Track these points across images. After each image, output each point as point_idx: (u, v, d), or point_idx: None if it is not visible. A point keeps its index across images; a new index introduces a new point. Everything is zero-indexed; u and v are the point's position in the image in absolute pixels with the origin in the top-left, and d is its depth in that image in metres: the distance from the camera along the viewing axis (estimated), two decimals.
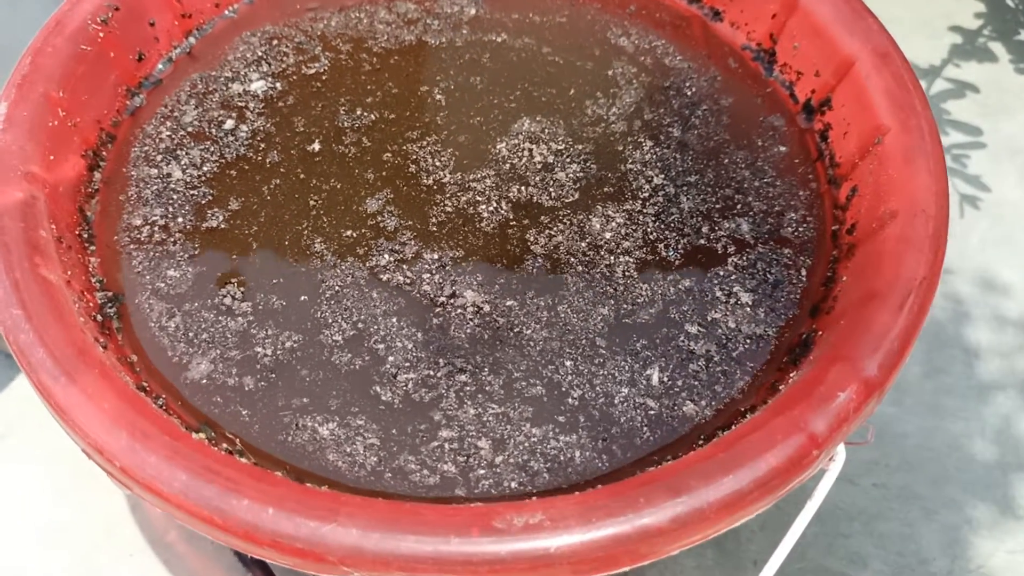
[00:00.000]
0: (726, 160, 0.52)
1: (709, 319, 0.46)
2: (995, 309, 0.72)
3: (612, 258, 0.48)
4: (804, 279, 0.48)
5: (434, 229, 0.49)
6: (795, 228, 0.50)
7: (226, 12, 0.60)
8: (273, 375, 0.44)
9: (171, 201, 0.50)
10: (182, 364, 0.44)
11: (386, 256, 0.47)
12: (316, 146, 0.53)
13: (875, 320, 0.41)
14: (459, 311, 0.46)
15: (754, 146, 0.53)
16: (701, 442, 0.42)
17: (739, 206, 0.50)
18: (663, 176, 0.51)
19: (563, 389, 0.43)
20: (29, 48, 0.49)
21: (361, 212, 0.50)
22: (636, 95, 0.55)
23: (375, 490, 0.40)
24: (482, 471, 0.41)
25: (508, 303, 0.46)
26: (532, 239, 0.48)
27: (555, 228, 0.49)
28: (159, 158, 0.52)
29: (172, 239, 0.48)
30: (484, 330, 0.45)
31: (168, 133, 0.53)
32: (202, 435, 0.41)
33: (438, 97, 0.55)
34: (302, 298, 0.46)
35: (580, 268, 0.47)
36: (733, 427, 0.41)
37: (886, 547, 0.62)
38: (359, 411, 0.43)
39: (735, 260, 0.48)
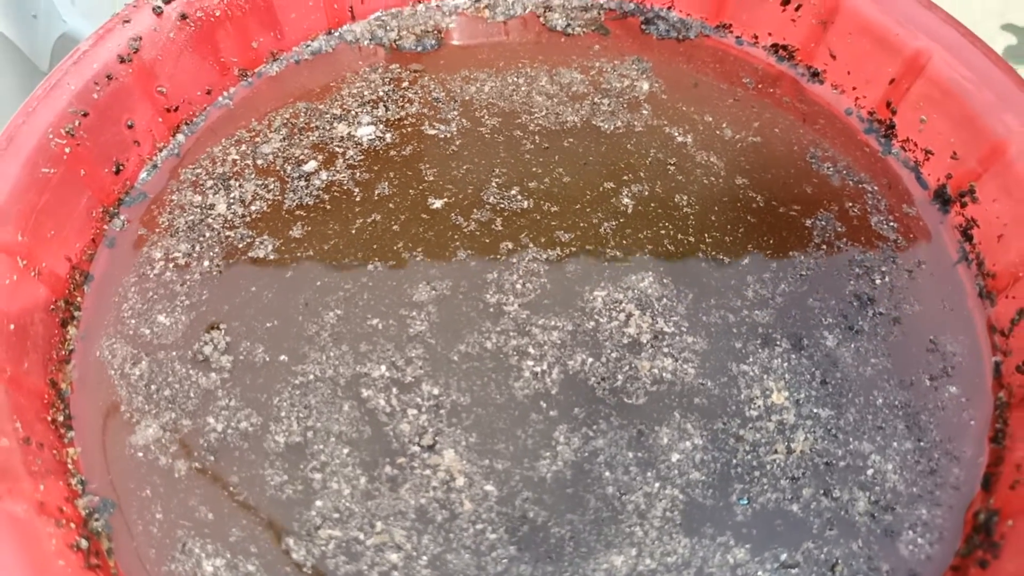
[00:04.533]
0: (879, 400, 0.38)
1: None
2: None
3: (660, 488, 0.35)
4: None
5: (455, 359, 0.38)
6: (923, 539, 0.35)
7: (220, 99, 0.49)
8: (212, 458, 0.36)
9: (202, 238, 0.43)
10: (131, 423, 0.37)
11: (383, 368, 0.38)
12: (437, 204, 0.44)
13: None
14: (425, 471, 0.35)
15: (921, 387, 0.38)
16: None
17: (870, 473, 0.36)
18: (787, 395, 0.37)
19: None
20: None
21: (405, 298, 0.40)
22: (818, 267, 0.41)
23: None
24: None
25: (487, 488, 0.35)
26: (563, 436, 0.36)
27: (600, 428, 0.36)
28: (209, 184, 0.45)
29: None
30: (442, 509, 0.34)
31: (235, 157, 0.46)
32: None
33: (625, 202, 0.44)
34: (281, 357, 0.38)
35: (611, 489, 0.35)
36: None
37: None
38: (257, 555, 0.33)
39: (812, 548, 0.34)
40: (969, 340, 0.39)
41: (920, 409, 0.38)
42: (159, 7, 0.44)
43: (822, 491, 0.35)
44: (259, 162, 0.45)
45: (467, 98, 0.49)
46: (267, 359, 0.38)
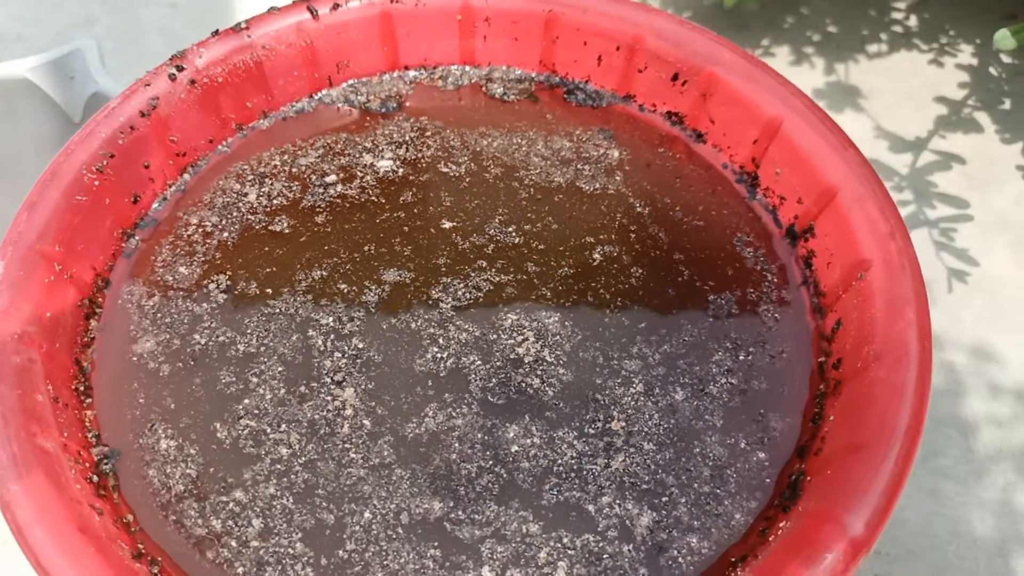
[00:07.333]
0: (696, 449, 0.45)
1: None
2: (989, 381, 0.69)
3: (492, 465, 0.45)
4: None
5: (384, 326, 0.50)
6: (683, 561, 0.42)
7: (220, 147, 0.61)
8: (192, 363, 0.49)
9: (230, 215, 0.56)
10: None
11: (330, 319, 0.50)
12: (447, 225, 0.55)
13: (861, 474, 0.39)
14: (327, 397, 0.47)
15: (736, 448, 0.46)
16: None
17: (664, 500, 0.44)
18: (623, 426, 0.46)
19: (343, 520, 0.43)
20: (25, 202, 0.48)
21: (375, 275, 0.52)
22: (700, 337, 0.50)
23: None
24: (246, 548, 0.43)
25: (365, 422, 0.46)
26: (431, 411, 0.46)
27: (462, 412, 0.46)
28: (250, 177, 0.58)
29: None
30: (327, 425, 0.46)
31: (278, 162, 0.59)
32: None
33: (595, 257, 0.54)
34: (267, 290, 0.51)
35: (454, 456, 0.45)
36: None
37: None
38: (196, 440, 0.46)
39: (591, 539, 0.42)
40: (792, 422, 0.47)
41: (728, 465, 0.45)
42: (173, 74, 0.57)
43: (618, 501, 0.44)
44: (294, 170, 0.59)
45: (479, 149, 0.60)
46: (256, 293, 0.51)
